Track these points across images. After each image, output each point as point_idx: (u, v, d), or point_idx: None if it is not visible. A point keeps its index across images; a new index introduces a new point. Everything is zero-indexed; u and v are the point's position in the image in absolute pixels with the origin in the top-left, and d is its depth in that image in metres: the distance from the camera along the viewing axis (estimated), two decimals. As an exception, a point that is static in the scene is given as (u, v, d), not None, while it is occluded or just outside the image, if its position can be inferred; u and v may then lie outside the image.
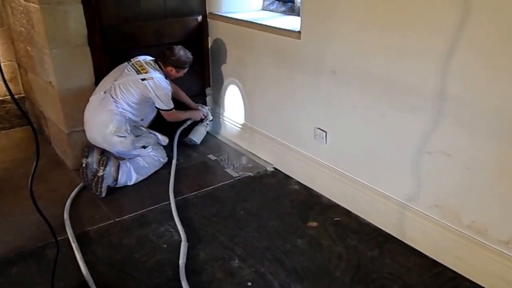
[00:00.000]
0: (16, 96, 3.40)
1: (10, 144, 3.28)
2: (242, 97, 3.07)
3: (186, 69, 2.84)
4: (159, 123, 2.90)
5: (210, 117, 3.22)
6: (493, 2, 1.58)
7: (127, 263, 2.05)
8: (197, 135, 3.18)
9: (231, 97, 3.20)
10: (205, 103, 3.31)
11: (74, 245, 2.13)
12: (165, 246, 2.15)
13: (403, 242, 2.15)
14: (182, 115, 3.04)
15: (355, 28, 2.12)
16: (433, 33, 1.79)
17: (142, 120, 2.81)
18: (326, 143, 2.47)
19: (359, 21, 2.09)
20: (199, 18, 3.09)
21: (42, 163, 2.99)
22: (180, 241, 2.15)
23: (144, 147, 2.78)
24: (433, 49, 1.80)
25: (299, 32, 2.42)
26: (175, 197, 2.52)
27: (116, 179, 2.61)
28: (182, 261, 2.00)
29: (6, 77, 3.32)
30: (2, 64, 3.29)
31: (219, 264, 2.03)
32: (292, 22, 2.64)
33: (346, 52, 2.20)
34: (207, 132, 3.26)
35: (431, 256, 2.04)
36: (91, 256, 2.08)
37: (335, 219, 2.35)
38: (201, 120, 3.18)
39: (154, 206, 2.47)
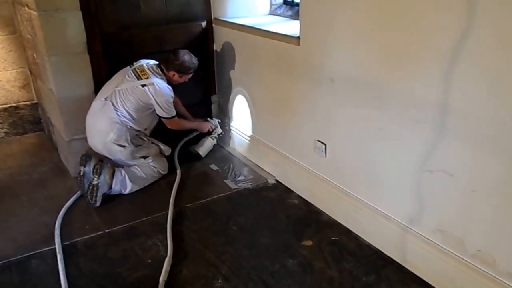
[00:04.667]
0: (29, 103, 3.53)
1: (20, 150, 3.32)
2: (247, 106, 2.95)
3: (190, 75, 2.72)
4: (164, 132, 2.81)
5: (219, 130, 3.06)
6: (498, 11, 1.40)
7: (108, 278, 1.98)
8: (202, 148, 3.02)
9: (236, 106, 3.09)
10: (210, 111, 3.20)
11: (59, 256, 2.08)
12: (149, 261, 2.07)
13: (404, 268, 1.97)
14: (186, 124, 2.93)
15: (353, 35, 1.96)
16: (435, 41, 1.61)
17: (145, 129, 2.74)
18: (325, 156, 2.31)
19: (358, 28, 1.93)
20: (204, 23, 3.00)
21: (46, 169, 3.02)
22: (166, 256, 2.05)
23: (144, 157, 2.71)
24: (434, 58, 1.62)
25: (298, 37, 2.28)
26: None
27: (111, 186, 2.55)
28: (162, 278, 1.91)
29: (19, 84, 3.42)
30: (15, 71, 3.38)
31: (201, 283, 1.92)
32: (296, 27, 2.50)
33: (344, 59, 2.05)
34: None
35: (433, 285, 1.85)
36: (73, 269, 2.03)
37: (332, 238, 2.18)
38: (209, 133, 3.04)
39: (146, 218, 2.39)
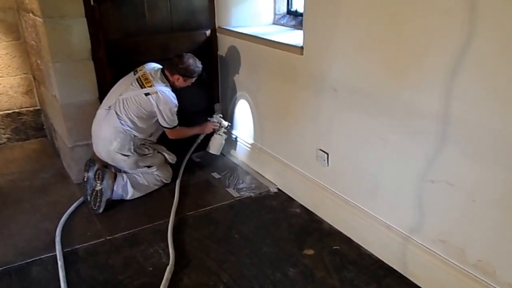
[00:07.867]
0: (31, 109, 3.54)
1: (22, 156, 3.33)
2: (250, 114, 2.96)
3: (194, 79, 2.69)
4: (170, 139, 2.80)
5: (225, 123, 3.00)
6: (499, 22, 1.42)
7: (109, 285, 1.97)
8: (213, 147, 2.99)
9: (239, 114, 3.11)
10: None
11: (59, 263, 2.08)
12: (150, 268, 2.06)
13: (405, 277, 1.96)
14: (188, 131, 2.88)
15: (356, 45, 1.98)
16: (437, 51, 1.62)
17: (151, 135, 2.75)
18: (328, 165, 2.32)
19: (360, 38, 1.95)
20: (208, 32, 3.02)
21: (49, 175, 3.02)
22: (167, 264, 2.05)
23: (148, 166, 2.71)
24: (436, 69, 1.64)
25: (302, 47, 2.30)
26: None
27: (113, 190, 2.56)
28: (163, 286, 1.90)
29: (22, 90, 3.44)
30: (18, 77, 3.40)
31: (202, 291, 1.92)
32: (299, 37, 2.52)
33: (346, 69, 2.06)
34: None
35: (435, 296, 1.85)
36: (74, 276, 2.03)
37: (334, 247, 2.18)
38: (215, 131, 3.01)
39: (148, 225, 2.39)
